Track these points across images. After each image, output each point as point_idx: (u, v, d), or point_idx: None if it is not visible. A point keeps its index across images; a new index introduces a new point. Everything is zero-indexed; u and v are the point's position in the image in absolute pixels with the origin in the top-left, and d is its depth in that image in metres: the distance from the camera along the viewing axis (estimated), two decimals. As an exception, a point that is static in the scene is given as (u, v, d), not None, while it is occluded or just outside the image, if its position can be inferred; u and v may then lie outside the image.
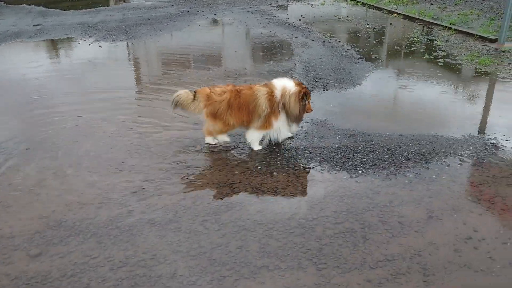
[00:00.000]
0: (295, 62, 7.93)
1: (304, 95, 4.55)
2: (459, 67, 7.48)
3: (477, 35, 9.21)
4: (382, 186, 4.11)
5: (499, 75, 6.99)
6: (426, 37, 9.53)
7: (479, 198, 3.90)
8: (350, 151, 4.73)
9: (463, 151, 4.69)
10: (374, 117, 5.63)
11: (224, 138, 4.84)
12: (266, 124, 4.58)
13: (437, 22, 10.43)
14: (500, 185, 4.07)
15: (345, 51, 8.51)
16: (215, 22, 11.82)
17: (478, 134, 5.09)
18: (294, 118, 4.63)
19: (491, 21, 10.67)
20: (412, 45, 8.93)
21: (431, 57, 8.05)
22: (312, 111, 4.84)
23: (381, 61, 7.93)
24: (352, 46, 8.93)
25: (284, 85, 4.56)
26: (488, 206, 3.78)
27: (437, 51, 8.43)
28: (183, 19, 11.95)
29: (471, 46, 8.63)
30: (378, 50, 8.71)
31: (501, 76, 6.93)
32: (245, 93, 4.54)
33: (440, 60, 7.85)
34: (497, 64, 7.51)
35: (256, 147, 4.78)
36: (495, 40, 8.79)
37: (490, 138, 4.96)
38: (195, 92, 4.61)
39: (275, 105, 4.51)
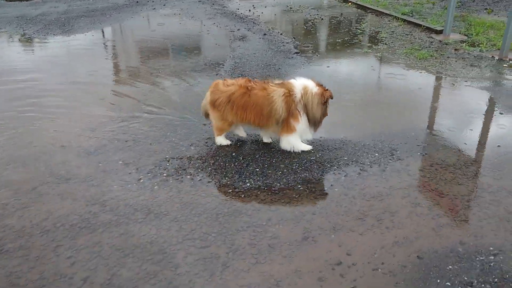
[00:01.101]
0: (227, 57, 7.49)
1: (327, 99, 4.21)
2: (394, 62, 7.11)
3: (424, 26, 8.85)
4: (266, 202, 3.74)
5: (431, 70, 6.63)
6: (373, 28, 9.15)
7: (366, 214, 3.56)
8: (245, 160, 4.35)
9: (367, 158, 4.34)
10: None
11: (221, 140, 4.53)
12: (288, 127, 4.22)
13: (388, 12, 10.04)
14: (394, 198, 3.73)
15: (283, 45, 8.10)
16: (160, 13, 11.28)
17: (387, 139, 4.73)
18: (313, 122, 4.25)
19: (444, 10, 10.32)
20: (355, 38, 8.54)
21: (370, 50, 7.68)
22: (327, 115, 4.40)
23: (317, 55, 7.53)
24: (293, 39, 8.52)
25: (306, 84, 4.20)
26: (373, 224, 3.44)
27: (379, 44, 8.06)
28: (129, 11, 11.41)
29: (415, 38, 8.27)
30: (318, 44, 8.30)
31: (434, 71, 6.57)
32: (257, 94, 4.14)
33: (378, 54, 7.48)
34: (435, 57, 7.16)
35: (304, 147, 4.41)
36: (441, 31, 8.44)
37: (397, 146, 4.61)
38: None
39: (293, 107, 4.13)
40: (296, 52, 7.63)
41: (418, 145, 4.55)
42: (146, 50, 8.22)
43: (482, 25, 8.77)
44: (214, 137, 4.63)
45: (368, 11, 10.60)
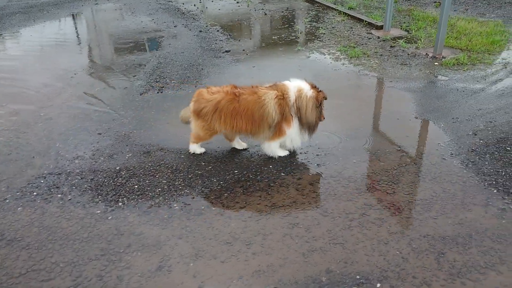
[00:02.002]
0: (152, 56, 7.09)
1: (322, 101, 3.95)
2: (323, 61, 6.80)
3: (365, 21, 8.55)
4: (133, 224, 3.41)
5: (358, 70, 6.33)
6: (314, 23, 8.82)
7: (236, 237, 3.24)
8: (127, 175, 4.00)
9: (260, 171, 4.02)
10: (188, 128, 4.87)
11: (195, 148, 4.24)
12: (278, 132, 3.98)
13: (334, 6, 9.71)
14: (273, 217, 3.42)
15: (215, 43, 7.72)
16: (100, 8, 10.78)
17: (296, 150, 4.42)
18: (308, 127, 3.99)
19: (394, 3, 10.02)
20: (293, 34, 8.19)
21: (304, 48, 7.35)
22: (324, 119, 4.12)
23: (247, 54, 7.17)
24: (228, 36, 8.14)
25: (300, 86, 3.94)
26: (239, 249, 3.13)
27: (315, 40, 7.73)
28: (70, 6, 10.88)
29: (354, 35, 7.96)
30: (253, 41, 7.94)
31: (360, 71, 6.27)
32: (246, 99, 3.87)
33: (310, 52, 7.15)
34: (367, 56, 6.87)
35: (281, 153, 4.21)
36: (381, 27, 8.15)
37: (294, 156, 4.30)
38: None
39: (287, 110, 3.88)
40: (226, 51, 7.27)
41: (318, 155, 4.25)
42: (62, 50, 7.76)
43: (426, 19, 8.51)
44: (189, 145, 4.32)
45: (316, 5, 10.26)
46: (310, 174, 3.96)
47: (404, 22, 8.55)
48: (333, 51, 7.13)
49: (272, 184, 3.83)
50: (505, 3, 9.71)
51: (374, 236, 3.20)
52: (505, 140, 4.37)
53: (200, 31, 8.41)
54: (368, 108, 5.20)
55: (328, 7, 9.85)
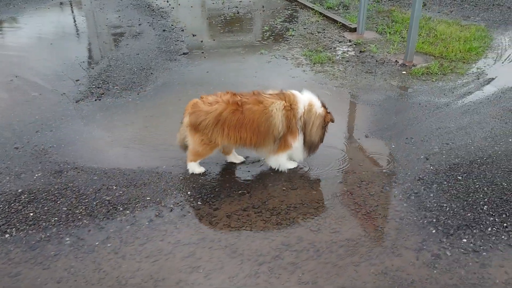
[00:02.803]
0: (104, 58, 6.63)
1: (328, 123, 3.68)
2: (283, 67, 6.31)
3: (340, 23, 8.04)
4: (13, 262, 2.97)
5: (318, 78, 5.84)
6: (286, 24, 8.32)
7: (124, 283, 2.80)
8: (27, 199, 3.56)
9: (176, 197, 3.57)
10: (117, 144, 4.44)
11: (194, 167, 3.81)
12: (283, 145, 3.63)
13: (311, 6, 9.19)
14: (174, 258, 2.99)
15: (176, 44, 7.25)
16: (64, 5, 10.32)
17: (216, 169, 3.97)
18: (310, 145, 3.68)
19: (375, 3, 9.51)
20: (260, 36, 7.69)
21: (267, 51, 6.86)
22: (322, 142, 3.81)
23: (205, 57, 6.70)
24: (192, 37, 7.66)
25: (312, 101, 3.61)
26: (122, 299, 2.69)
27: (282, 43, 7.25)
28: (38, 1, 10.40)
29: (325, 37, 7.46)
30: (215, 42, 7.45)
31: (321, 80, 5.78)
32: (251, 110, 3.48)
33: (273, 56, 6.67)
34: (332, 62, 6.38)
35: (291, 165, 3.89)
36: (355, 30, 7.64)
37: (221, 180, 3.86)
38: None
39: (294, 123, 3.55)
40: (184, 53, 6.80)
41: (245, 180, 3.79)
42: (17, 47, 7.31)
43: (405, 22, 7.99)
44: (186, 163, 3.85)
45: (294, 3, 9.74)
46: (230, 204, 3.50)
47: (381, 25, 8.03)
48: (297, 56, 6.64)
49: (184, 215, 3.38)
50: (493, 5, 9.16)
51: (281, 287, 2.75)
52: (459, 167, 3.90)
53: (164, 30, 7.94)
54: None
55: (306, 6, 9.33)
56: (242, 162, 4.04)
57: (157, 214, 3.40)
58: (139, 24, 8.35)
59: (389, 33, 7.48)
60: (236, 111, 3.49)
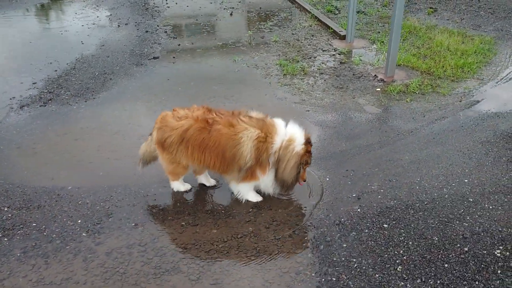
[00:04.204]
0: (73, 59, 6.45)
1: (305, 162, 3.21)
2: (251, 76, 5.87)
3: (332, 29, 7.47)
4: None
5: (278, 95, 5.36)
6: (275, 28, 7.84)
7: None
8: None
9: (59, 227, 3.27)
10: (40, 157, 4.20)
11: (179, 186, 3.58)
12: (250, 175, 3.25)
13: (309, 9, 8.62)
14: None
15: (151, 47, 6.97)
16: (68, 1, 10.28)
17: (117, 196, 3.64)
18: (282, 184, 3.26)
19: (383, 7, 8.82)
20: (242, 40, 7.27)
21: (241, 59, 6.44)
22: (305, 181, 3.40)
23: (173, 62, 6.37)
24: (172, 39, 7.36)
25: (293, 136, 3.16)
26: None
27: (262, 50, 6.80)
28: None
29: (310, 45, 6.93)
30: (194, 45, 7.10)
31: (281, 97, 5.29)
32: (219, 132, 3.12)
33: (245, 64, 6.25)
34: (304, 73, 5.88)
35: (252, 198, 3.48)
36: (345, 37, 7.06)
37: (117, 206, 3.51)
38: None
39: (265, 156, 3.15)
40: (154, 57, 6.50)
41: (145, 210, 3.44)
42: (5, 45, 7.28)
43: (404, 29, 7.30)
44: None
45: (295, 5, 9.20)
46: (117, 238, 3.17)
47: (378, 32, 7.38)
48: (270, 65, 6.17)
49: (61, 248, 3.08)
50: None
51: None
52: (390, 211, 3.36)
53: (147, 31, 7.68)
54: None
55: (304, 8, 8.78)
56: (213, 186, 3.67)
57: (34, 244, 3.11)
58: (125, 24, 8.14)
59: (381, 42, 6.84)
60: (203, 129, 3.13)
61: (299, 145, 3.13)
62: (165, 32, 7.72)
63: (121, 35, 7.51)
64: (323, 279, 2.79)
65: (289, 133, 3.16)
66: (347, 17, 6.81)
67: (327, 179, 3.76)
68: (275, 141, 3.12)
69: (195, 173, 3.61)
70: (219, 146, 3.12)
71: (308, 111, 4.91)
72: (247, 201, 3.46)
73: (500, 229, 3.13)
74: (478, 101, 5.04)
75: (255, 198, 3.47)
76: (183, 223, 3.31)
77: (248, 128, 3.11)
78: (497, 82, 5.50)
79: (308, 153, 3.19)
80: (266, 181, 3.28)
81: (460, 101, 5.06)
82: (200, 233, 3.21)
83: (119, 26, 8.04)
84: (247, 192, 3.43)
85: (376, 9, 8.77)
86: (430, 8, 8.67)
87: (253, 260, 2.96)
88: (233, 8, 9.21)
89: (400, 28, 5.39)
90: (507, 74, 5.69)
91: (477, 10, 8.54)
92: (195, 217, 3.36)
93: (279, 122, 3.21)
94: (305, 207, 3.44)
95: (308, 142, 3.18)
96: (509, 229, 3.13)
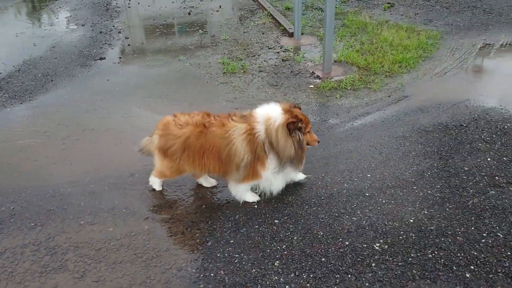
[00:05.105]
0: (20, 61, 6.51)
1: (296, 124, 3.10)
2: (190, 74, 5.93)
3: (282, 26, 7.52)
4: None
5: (215, 94, 5.42)
6: (227, 26, 7.89)
7: None
8: None
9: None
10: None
11: (156, 184, 3.64)
12: (251, 174, 3.23)
13: (266, 6, 8.66)
14: None
15: (100, 47, 7.05)
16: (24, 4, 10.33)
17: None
18: (290, 160, 3.17)
19: (341, 4, 8.86)
20: (192, 40, 7.32)
21: (186, 58, 6.50)
22: (318, 142, 3.36)
23: (118, 63, 6.43)
24: (123, 39, 7.41)
25: (268, 114, 3.14)
26: None
27: (209, 48, 6.86)
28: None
29: (258, 43, 6.99)
30: (142, 46, 7.15)
31: (215, 95, 5.35)
32: (214, 133, 3.15)
33: (188, 63, 6.31)
34: (243, 71, 5.94)
35: (249, 198, 3.48)
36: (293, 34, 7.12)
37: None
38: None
39: (259, 148, 3.14)
40: (101, 58, 6.56)
41: (48, 211, 3.50)
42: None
43: (352, 26, 7.35)
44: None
45: (255, 3, 9.23)
46: (14, 238, 3.24)
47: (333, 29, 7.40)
48: (213, 64, 6.23)
49: (-41, 249, 3.14)
50: (468, 7, 8.25)
51: None
52: (285, 207, 3.42)
53: (100, 32, 7.73)
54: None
55: (262, 6, 8.82)
56: (214, 187, 3.70)
57: None
58: (82, 25, 8.20)
59: (328, 39, 6.87)
60: (201, 133, 3.17)
61: (278, 117, 3.09)
62: (119, 32, 7.77)
63: (75, 36, 7.57)
64: (202, 275, 2.86)
65: (264, 115, 3.14)
66: (294, 13, 6.85)
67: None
68: (259, 129, 3.11)
69: (194, 176, 3.65)
70: (215, 148, 3.16)
71: (237, 109, 4.97)
72: (245, 202, 3.46)
73: (386, 222, 3.20)
74: (406, 96, 5.10)
75: (252, 198, 3.48)
76: (82, 222, 3.38)
77: (236, 126, 3.14)
78: (431, 77, 5.55)
79: (294, 118, 3.08)
80: (271, 174, 3.26)
81: (389, 97, 5.12)
82: (95, 232, 3.28)
83: (77, 26, 8.09)
84: (245, 193, 3.44)
85: (335, 5, 8.78)
86: (388, 3, 8.70)
87: (141, 257, 3.03)
88: (192, 7, 9.25)
89: (333, 24, 5.46)
90: (443, 69, 5.73)
91: (433, 4, 8.57)
92: (95, 216, 3.43)
93: (258, 110, 3.21)
94: (205, 205, 3.51)
95: (287, 110, 3.13)
96: (395, 223, 3.19)
